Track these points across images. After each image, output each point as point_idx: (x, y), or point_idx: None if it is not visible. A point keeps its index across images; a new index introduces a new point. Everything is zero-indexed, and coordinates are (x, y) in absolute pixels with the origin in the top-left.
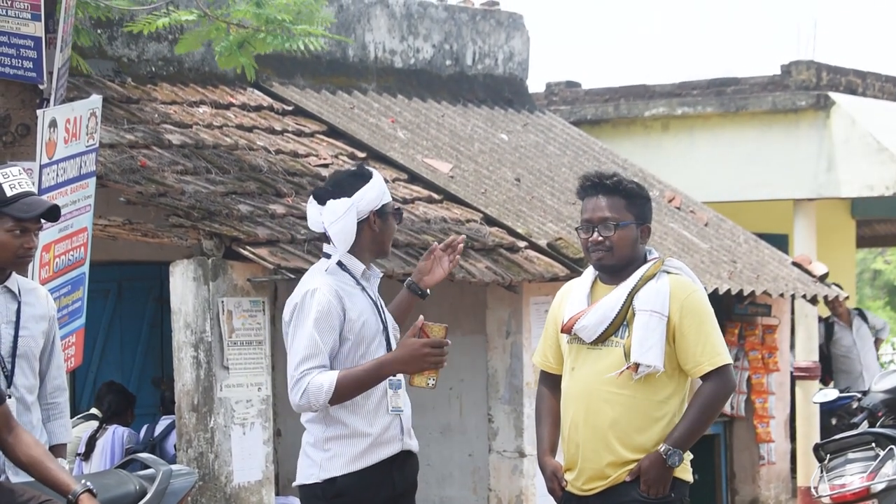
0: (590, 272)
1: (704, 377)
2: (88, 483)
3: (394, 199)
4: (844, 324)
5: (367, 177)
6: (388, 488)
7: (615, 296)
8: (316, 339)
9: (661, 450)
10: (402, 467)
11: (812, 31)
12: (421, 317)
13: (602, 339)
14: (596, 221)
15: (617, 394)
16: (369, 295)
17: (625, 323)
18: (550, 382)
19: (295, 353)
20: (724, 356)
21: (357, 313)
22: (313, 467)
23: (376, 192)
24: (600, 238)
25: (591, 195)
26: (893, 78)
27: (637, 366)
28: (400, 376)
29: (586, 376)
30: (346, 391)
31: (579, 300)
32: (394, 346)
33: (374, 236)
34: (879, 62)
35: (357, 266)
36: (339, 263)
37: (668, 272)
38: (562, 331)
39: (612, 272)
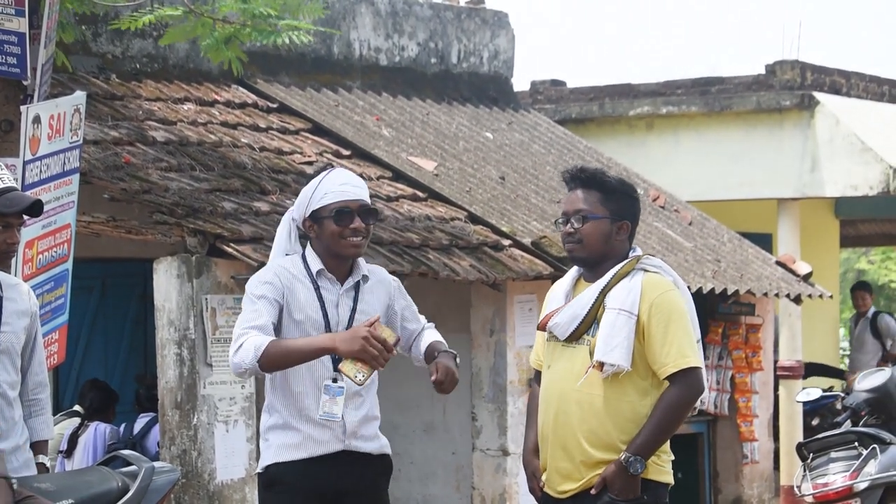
0: (574, 270)
1: (670, 379)
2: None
3: (378, 196)
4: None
5: (308, 184)
6: (325, 485)
7: (588, 294)
8: (258, 306)
9: (622, 458)
10: (346, 466)
11: (797, 31)
12: (377, 315)
13: (575, 337)
14: (570, 213)
15: (587, 393)
16: (320, 294)
17: (596, 321)
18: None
19: (238, 320)
20: (690, 359)
21: (298, 306)
22: (260, 459)
23: (300, 199)
24: (571, 230)
25: (571, 188)
26: (877, 78)
27: (602, 365)
28: (342, 384)
29: (559, 374)
30: (277, 355)
31: (559, 298)
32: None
33: (317, 241)
34: (864, 62)
35: (315, 264)
36: (304, 258)
37: (646, 270)
38: (538, 328)
39: (586, 266)
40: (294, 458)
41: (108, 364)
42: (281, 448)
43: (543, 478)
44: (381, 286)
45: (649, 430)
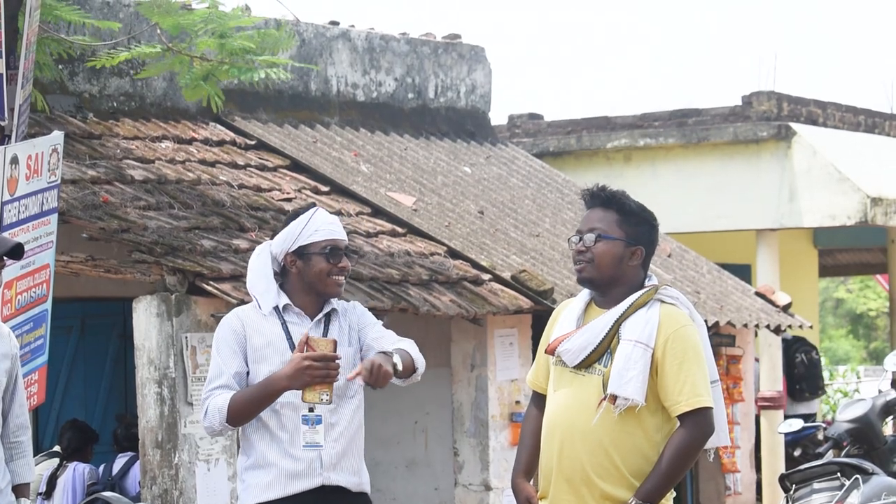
0: (586, 293)
1: (680, 419)
2: None
3: (357, 233)
4: None
5: (291, 219)
6: None
7: (602, 321)
8: (218, 361)
9: (631, 503)
10: (325, 502)
11: (772, 63)
12: (306, 332)
13: (585, 365)
14: (583, 231)
15: (597, 426)
16: (287, 328)
17: (609, 351)
18: (540, 403)
19: (208, 376)
20: (703, 398)
21: (262, 342)
22: (239, 502)
23: (287, 234)
24: (582, 248)
25: (589, 207)
26: (854, 108)
27: (615, 398)
28: (319, 411)
29: (566, 401)
30: (239, 410)
31: (569, 321)
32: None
33: (298, 276)
34: (839, 93)
35: (281, 300)
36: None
37: (663, 301)
38: (545, 351)
39: (594, 288)
40: (271, 498)
41: (89, 404)
42: (259, 488)
43: None
44: (344, 317)
45: (658, 475)
